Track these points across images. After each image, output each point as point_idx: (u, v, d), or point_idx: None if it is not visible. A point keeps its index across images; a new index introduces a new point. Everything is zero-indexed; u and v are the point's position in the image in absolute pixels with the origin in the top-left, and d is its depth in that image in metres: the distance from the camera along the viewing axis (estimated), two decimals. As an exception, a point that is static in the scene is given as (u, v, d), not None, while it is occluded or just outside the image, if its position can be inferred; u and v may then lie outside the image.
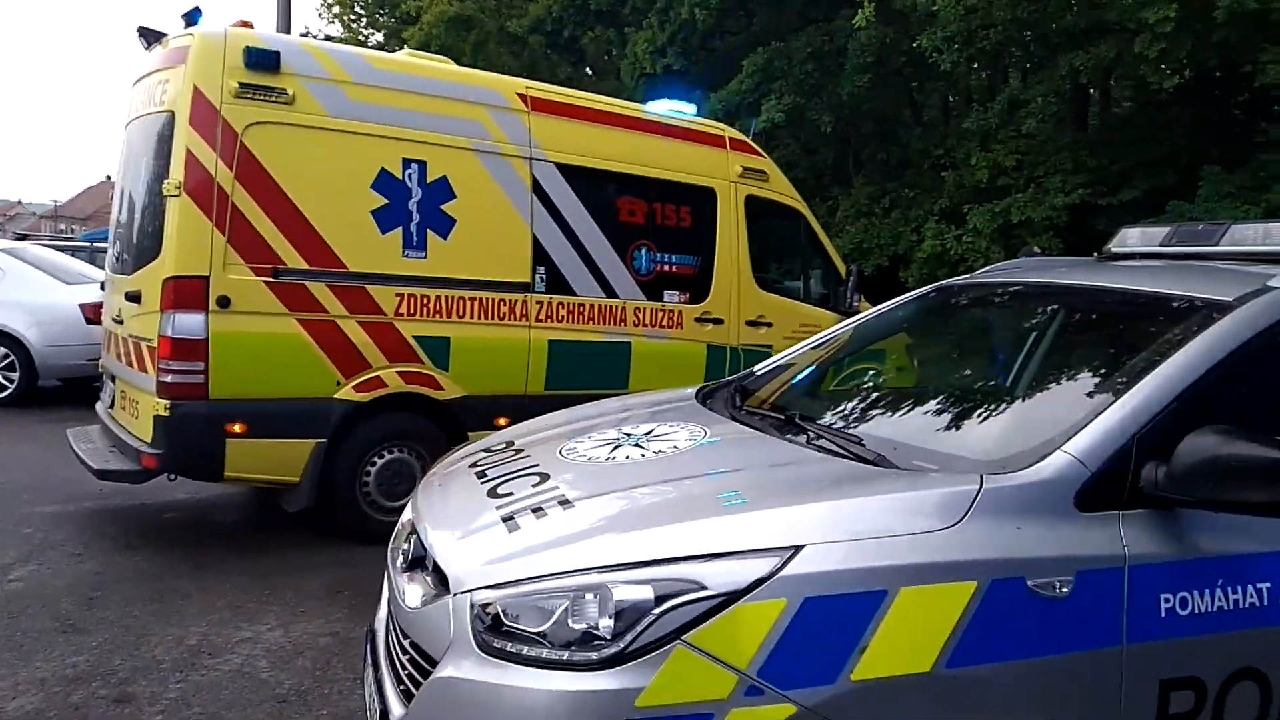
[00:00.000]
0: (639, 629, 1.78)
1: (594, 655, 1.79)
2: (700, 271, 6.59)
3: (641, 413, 3.03)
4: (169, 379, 4.70)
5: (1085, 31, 12.85)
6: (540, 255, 5.81)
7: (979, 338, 3.37)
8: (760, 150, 7.21)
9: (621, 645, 1.77)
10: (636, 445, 2.54)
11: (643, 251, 6.29)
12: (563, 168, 5.90)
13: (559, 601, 1.88)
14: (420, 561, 2.35)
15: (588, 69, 23.51)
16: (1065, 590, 1.91)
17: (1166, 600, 1.99)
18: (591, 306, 6.03)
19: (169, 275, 4.70)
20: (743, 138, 7.10)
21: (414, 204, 5.35)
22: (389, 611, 2.53)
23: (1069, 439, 2.06)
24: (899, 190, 17.86)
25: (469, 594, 2.00)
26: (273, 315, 4.92)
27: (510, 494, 2.35)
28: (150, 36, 5.44)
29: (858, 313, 7.26)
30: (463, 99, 5.60)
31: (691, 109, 6.93)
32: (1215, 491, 1.94)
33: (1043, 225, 14.72)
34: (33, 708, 3.28)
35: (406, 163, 5.32)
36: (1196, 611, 2.01)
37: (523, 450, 2.72)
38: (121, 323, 5.25)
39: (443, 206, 5.44)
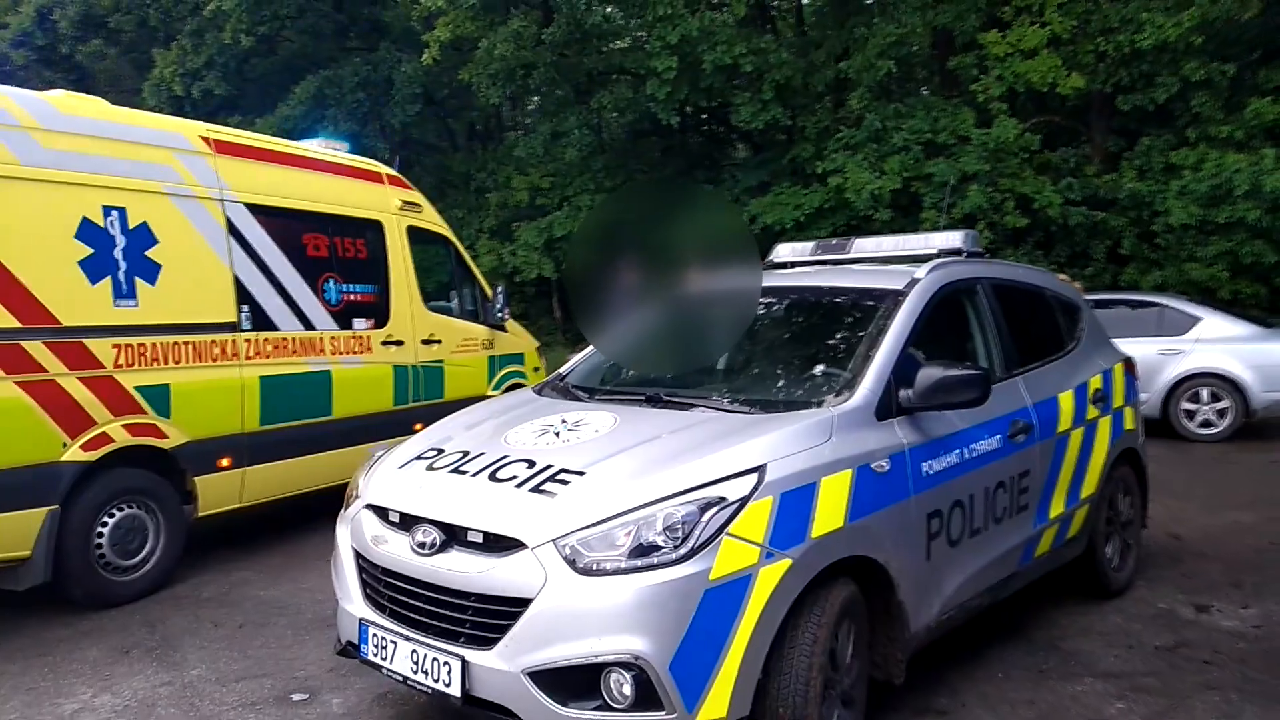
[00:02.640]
0: (697, 532, 2.69)
1: (672, 556, 2.66)
2: (380, 299, 7.09)
3: (522, 411, 3.76)
4: (-125, 463, 4.16)
5: (606, 73, 15.18)
6: (243, 294, 5.92)
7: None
8: (411, 185, 7.86)
9: (690, 546, 2.67)
10: (572, 430, 3.34)
11: (331, 283, 6.64)
12: (252, 207, 6.06)
13: (626, 529, 2.71)
14: (449, 544, 2.93)
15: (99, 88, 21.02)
16: (885, 467, 3.22)
17: (926, 465, 3.40)
18: (294, 340, 6.27)
19: None
20: (396, 174, 7.69)
21: (119, 252, 5.21)
22: (395, 599, 3.04)
23: (861, 382, 3.37)
24: (447, 212, 19.06)
25: (551, 542, 2.72)
26: (-12, 380, 4.56)
27: (514, 476, 3.03)
28: None
29: (504, 324, 8.35)
30: (151, 143, 5.53)
31: (344, 146, 7.37)
32: (940, 399, 3.39)
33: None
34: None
35: (107, 210, 5.17)
36: (934, 471, 3.45)
37: (469, 451, 3.33)
38: None
39: (147, 253, 5.35)
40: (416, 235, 7.61)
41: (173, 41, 16.29)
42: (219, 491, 5.76)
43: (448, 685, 2.82)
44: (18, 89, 5.05)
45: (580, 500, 2.84)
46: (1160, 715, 3.60)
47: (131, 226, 5.29)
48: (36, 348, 4.76)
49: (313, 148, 6.96)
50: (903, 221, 14.14)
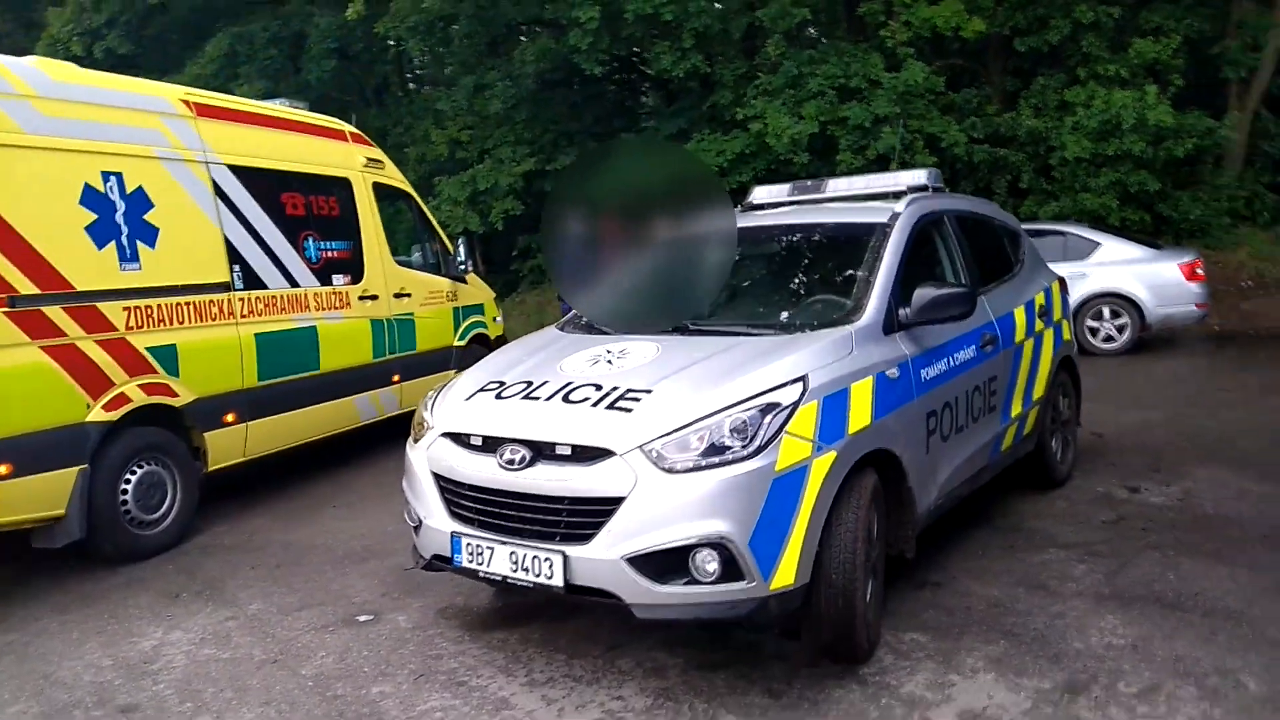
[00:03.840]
0: (761, 432, 3.16)
1: (743, 453, 3.13)
2: (354, 255, 7.29)
3: (561, 345, 4.13)
4: (-79, 430, 4.29)
5: (524, 24, 15.23)
6: (234, 254, 6.08)
7: (748, 263, 4.98)
8: (372, 141, 8.01)
9: (757, 444, 3.14)
10: (620, 357, 3.75)
11: (310, 241, 6.81)
12: (235, 169, 6.19)
13: (699, 434, 3.17)
14: (537, 459, 3.33)
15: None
16: (895, 374, 3.75)
17: (924, 372, 3.95)
18: (282, 297, 6.45)
19: (-99, 319, 4.25)
20: (358, 131, 7.83)
21: (120, 216, 5.33)
22: (486, 511, 3.43)
23: (868, 304, 3.89)
24: (364, 168, 18.89)
25: (639, 447, 3.15)
26: (17, 346, 4.69)
27: (587, 398, 3.44)
28: None
29: (465, 277, 8.61)
30: (140, 108, 5.61)
31: (305, 106, 7.47)
32: (934, 315, 3.93)
33: (505, 190, 17.06)
34: None
35: (106, 175, 5.27)
36: (930, 377, 4.01)
37: (532, 381, 3.71)
38: None
39: (145, 216, 5.48)
40: (381, 191, 7.80)
41: (65, -1, 15.59)
42: (225, 447, 5.97)
43: (550, 578, 3.24)
44: (11, 58, 5.07)
45: (655, 412, 3.28)
46: (1117, 571, 4.29)
47: (129, 191, 5.40)
48: (56, 312, 4.89)
49: (280, 108, 7.05)
50: (819, 164, 14.78)
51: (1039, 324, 5.32)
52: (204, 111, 6.09)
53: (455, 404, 3.83)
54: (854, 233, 4.46)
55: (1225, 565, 4.28)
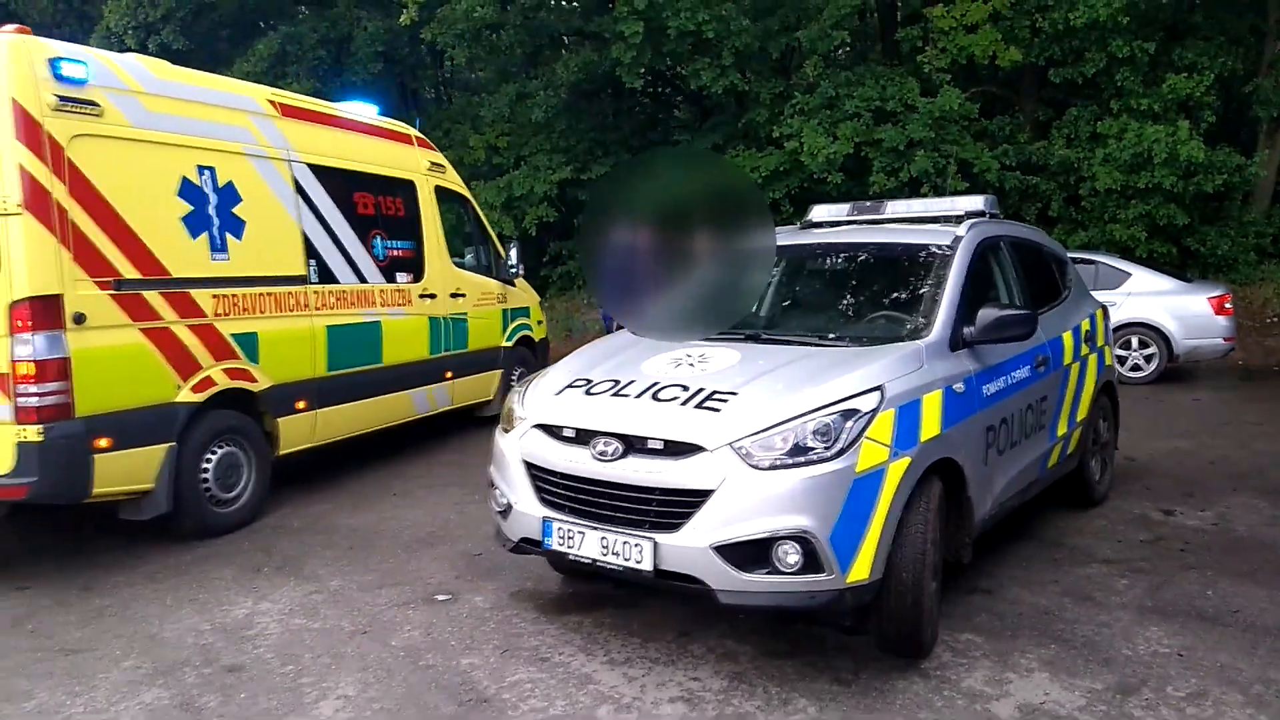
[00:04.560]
0: (843, 436, 3.39)
1: (827, 454, 3.36)
2: (416, 255, 7.57)
3: (640, 349, 4.34)
4: (36, 402, 4.56)
5: (566, 35, 15.55)
6: (310, 249, 6.36)
7: (813, 277, 5.25)
8: (435, 146, 8.29)
9: (839, 446, 3.38)
10: (701, 361, 3.99)
11: (378, 240, 7.09)
12: (313, 168, 6.48)
13: (783, 435, 3.41)
14: (629, 452, 3.57)
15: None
16: (961, 388, 3.99)
17: (985, 388, 4.18)
18: (352, 292, 6.73)
19: (23, 296, 4.52)
20: (423, 136, 8.12)
21: (212, 209, 5.61)
22: (577, 499, 3.67)
23: (935, 321, 4.13)
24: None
25: (729, 444, 3.40)
26: (119, 327, 4.97)
27: (675, 397, 3.68)
28: None
29: (514, 280, 8.88)
30: (231, 106, 5.90)
31: (374, 110, 7.75)
32: (997, 334, 4.17)
33: (540, 197, 17.36)
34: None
35: (201, 169, 5.56)
36: (991, 393, 4.24)
37: (619, 380, 3.96)
38: (-90, 355, 4.69)
39: (233, 210, 5.76)
40: (442, 195, 8.07)
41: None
42: (296, 432, 6.23)
43: (639, 563, 3.48)
44: (122, 54, 5.36)
45: (743, 413, 3.52)
46: (1158, 587, 4.50)
47: (220, 185, 5.69)
48: (154, 297, 5.17)
49: (353, 111, 7.34)
50: (851, 184, 15.04)
51: (1084, 348, 5.54)
52: (287, 111, 6.38)
53: (546, 398, 4.08)
54: (918, 253, 4.69)
55: (1262, 587, 4.49)
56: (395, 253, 7.30)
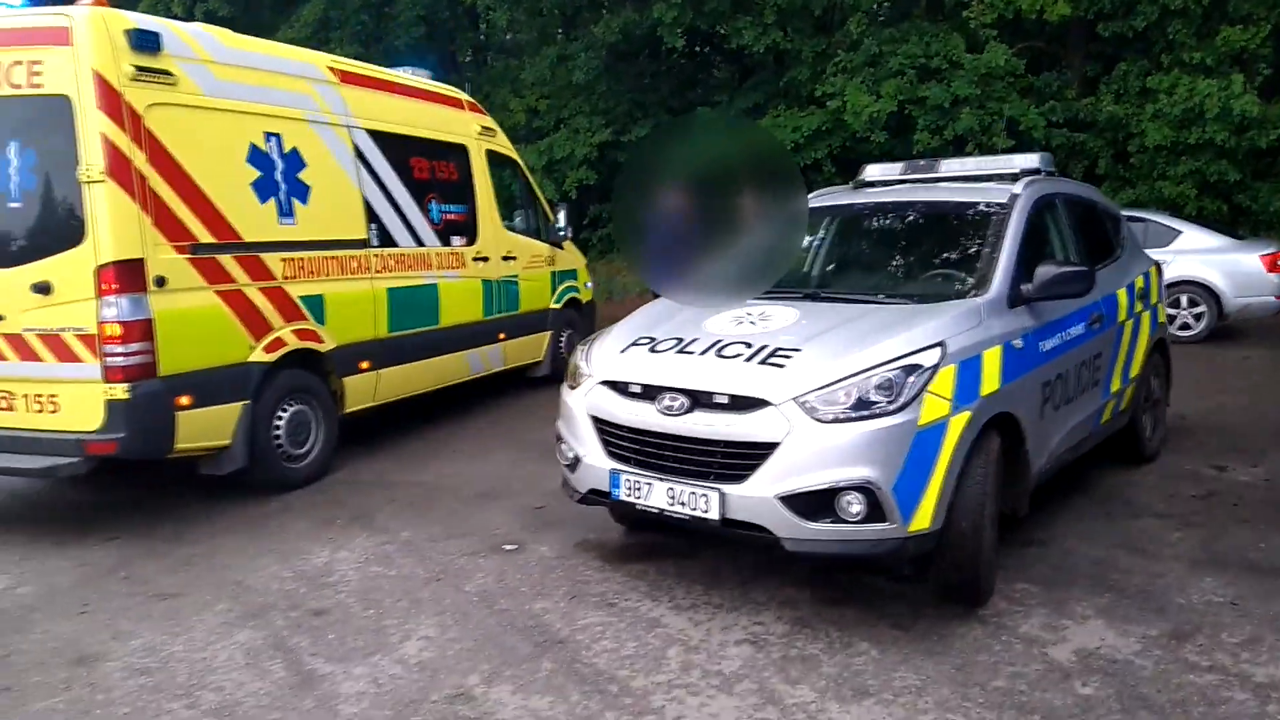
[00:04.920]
0: (906, 391, 3.50)
1: (889, 408, 3.47)
2: (469, 218, 7.72)
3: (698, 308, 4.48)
4: (123, 362, 4.78)
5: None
6: (370, 213, 6.52)
7: (868, 236, 5.32)
8: (485, 110, 8.40)
9: (902, 400, 3.48)
10: (762, 319, 4.10)
11: (433, 204, 7.24)
12: (372, 133, 6.62)
13: (847, 390, 3.52)
14: (695, 407, 3.70)
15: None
16: (1020, 344, 4.06)
17: (1041, 344, 4.25)
18: (410, 255, 6.90)
19: (109, 260, 4.72)
20: (473, 100, 8.22)
21: (279, 175, 5.78)
22: (643, 451, 3.82)
23: (993, 278, 4.19)
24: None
25: (794, 399, 3.51)
26: (197, 290, 5.17)
27: (739, 354, 3.79)
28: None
29: (562, 243, 8.99)
30: (294, 73, 6.05)
31: (428, 75, 7.86)
32: (1055, 291, 4.22)
33: (580, 160, 17.42)
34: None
35: (268, 136, 5.72)
36: (1047, 349, 4.31)
37: (682, 338, 4.08)
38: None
39: (299, 175, 5.92)
40: (492, 158, 8.19)
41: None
42: (359, 391, 6.44)
43: (706, 512, 3.63)
44: (191, 24, 5.52)
45: (807, 369, 3.63)
46: (1211, 539, 4.57)
47: (286, 151, 5.84)
48: (228, 261, 5.36)
49: (408, 76, 7.46)
50: (894, 143, 14.92)
51: (1138, 305, 5.57)
52: (346, 78, 6.51)
53: (611, 355, 4.22)
54: (975, 211, 4.74)
55: (1315, 540, 4.55)
56: (450, 216, 7.44)
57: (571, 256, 9.50)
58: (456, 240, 7.49)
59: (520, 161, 8.84)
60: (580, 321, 9.54)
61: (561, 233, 9.04)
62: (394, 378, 6.74)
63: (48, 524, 5.40)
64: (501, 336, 8.08)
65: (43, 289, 4.82)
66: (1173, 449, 6.16)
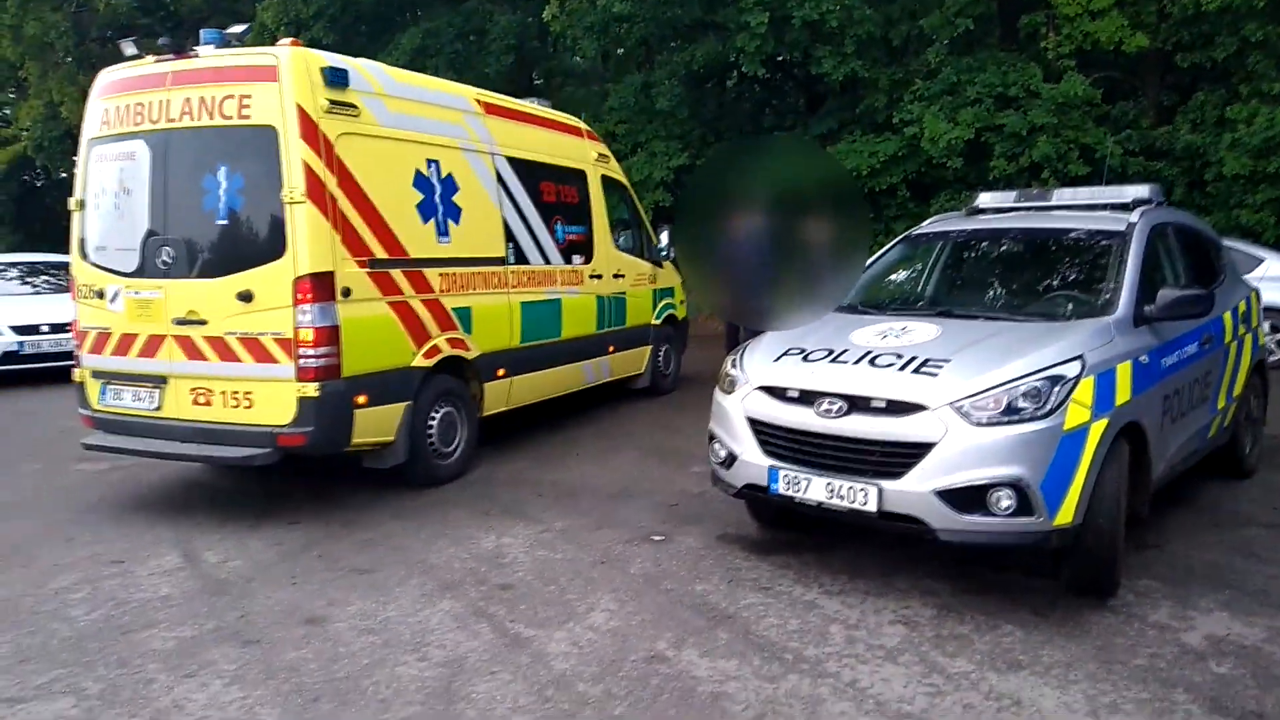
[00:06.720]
0: (1052, 398, 3.90)
1: (1038, 414, 3.88)
2: (587, 239, 8.26)
3: (842, 322, 4.90)
4: (314, 363, 5.34)
5: (690, 26, 16.09)
6: (508, 234, 7.08)
7: (986, 260, 5.75)
8: (599, 137, 8.96)
9: (1049, 407, 3.89)
10: (905, 334, 4.53)
11: (558, 225, 7.79)
12: (511, 160, 7.18)
13: (996, 397, 3.93)
14: (852, 410, 4.14)
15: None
16: (1146, 360, 4.44)
17: (1163, 361, 4.62)
18: (539, 273, 7.44)
19: (306, 273, 5.30)
20: (590, 129, 8.80)
21: (438, 198, 6.35)
22: (802, 450, 4.26)
23: (1120, 299, 4.58)
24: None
25: (949, 404, 3.94)
26: (373, 300, 5.73)
27: (892, 364, 4.23)
28: (153, 48, 5.67)
29: (662, 262, 9.48)
30: (448, 105, 6.64)
31: (549, 104, 8.43)
32: (1176, 312, 4.60)
33: (657, 183, 17.96)
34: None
35: (429, 162, 6.30)
36: (1168, 365, 4.68)
37: (833, 349, 4.53)
38: (203, 322, 5.51)
39: (453, 198, 6.49)
40: (607, 183, 8.73)
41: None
42: (496, 396, 6.98)
43: (864, 505, 4.05)
44: (367, 61, 6.14)
45: (959, 377, 4.05)
46: (1320, 548, 4.89)
47: (443, 176, 6.42)
48: (398, 275, 5.92)
49: (536, 107, 8.03)
50: (969, 170, 15.23)
51: (1241, 328, 5.89)
52: (490, 109, 7.10)
53: (765, 363, 4.68)
54: (1096, 238, 5.13)
55: None
56: (571, 236, 7.98)
57: (670, 275, 9.99)
58: (576, 259, 8.02)
59: (629, 185, 9.37)
60: (676, 337, 10.03)
61: (663, 252, 9.55)
62: (524, 384, 7.27)
63: (234, 510, 5.96)
64: (610, 349, 8.58)
65: (245, 297, 5.41)
66: (1270, 465, 6.44)
